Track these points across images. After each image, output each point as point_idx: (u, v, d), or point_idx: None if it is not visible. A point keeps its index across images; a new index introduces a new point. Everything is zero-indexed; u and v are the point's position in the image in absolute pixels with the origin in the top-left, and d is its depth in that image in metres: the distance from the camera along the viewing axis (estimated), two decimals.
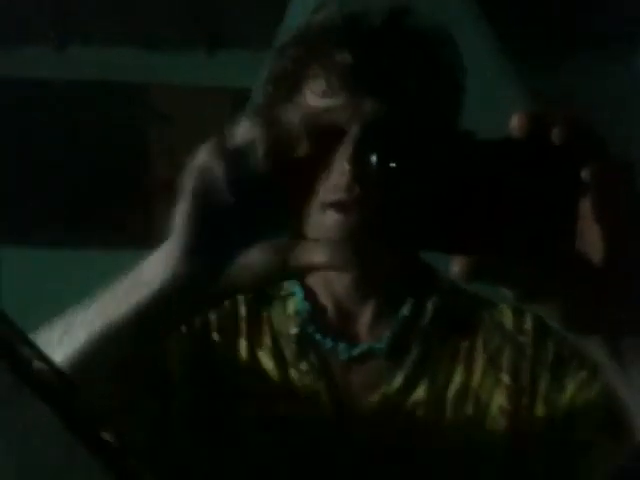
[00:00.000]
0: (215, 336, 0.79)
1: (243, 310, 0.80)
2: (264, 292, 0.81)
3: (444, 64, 0.76)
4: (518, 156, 0.41)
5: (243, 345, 0.79)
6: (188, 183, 0.50)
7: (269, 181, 0.49)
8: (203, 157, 0.50)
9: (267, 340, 0.78)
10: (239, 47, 2.74)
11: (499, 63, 2.08)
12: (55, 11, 2.86)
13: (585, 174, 0.40)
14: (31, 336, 0.42)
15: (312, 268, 0.51)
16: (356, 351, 0.76)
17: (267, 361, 0.78)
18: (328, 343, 0.77)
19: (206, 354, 0.78)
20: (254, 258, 0.49)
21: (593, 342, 0.45)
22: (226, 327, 0.80)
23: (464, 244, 0.42)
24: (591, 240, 0.42)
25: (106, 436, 0.36)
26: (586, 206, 0.42)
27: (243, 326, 0.79)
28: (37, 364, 0.37)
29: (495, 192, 0.41)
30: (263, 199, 0.50)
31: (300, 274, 0.78)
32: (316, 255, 0.66)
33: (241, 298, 0.81)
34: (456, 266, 0.41)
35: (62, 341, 0.55)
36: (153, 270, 0.51)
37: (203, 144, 0.51)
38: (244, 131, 0.50)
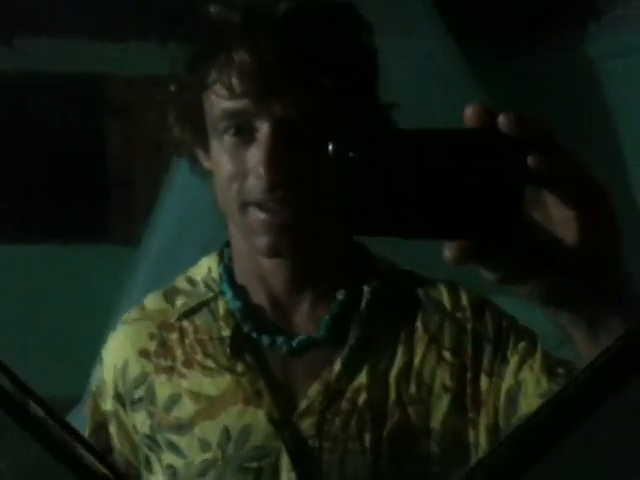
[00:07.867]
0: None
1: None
2: (187, 304, 0.80)
3: (356, 46, 0.71)
4: (469, 144, 0.43)
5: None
6: None
7: None
8: None
9: (198, 357, 0.77)
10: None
11: (453, 55, 2.11)
12: (2, 1, 2.80)
13: (532, 161, 0.43)
14: None
15: None
16: (295, 342, 0.75)
17: (199, 381, 0.77)
18: (265, 340, 0.76)
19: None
20: None
21: (566, 315, 0.49)
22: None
23: (420, 228, 0.44)
24: (561, 224, 0.45)
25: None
26: (545, 194, 0.45)
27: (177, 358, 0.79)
28: None
29: (446, 178, 0.43)
30: None
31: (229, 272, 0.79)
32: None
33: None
34: (447, 250, 0.44)
35: None
36: None
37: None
38: None
